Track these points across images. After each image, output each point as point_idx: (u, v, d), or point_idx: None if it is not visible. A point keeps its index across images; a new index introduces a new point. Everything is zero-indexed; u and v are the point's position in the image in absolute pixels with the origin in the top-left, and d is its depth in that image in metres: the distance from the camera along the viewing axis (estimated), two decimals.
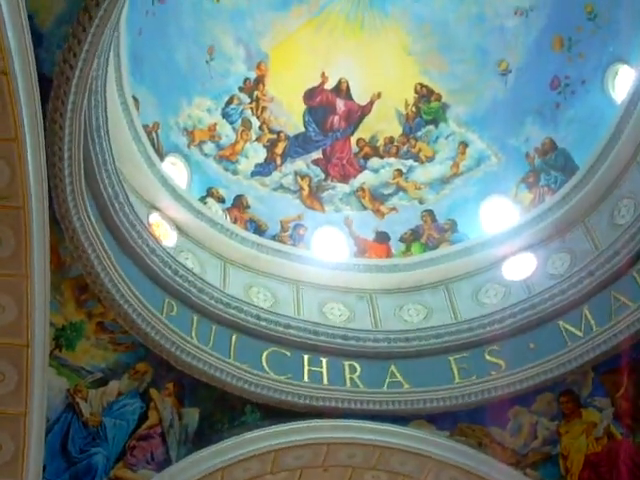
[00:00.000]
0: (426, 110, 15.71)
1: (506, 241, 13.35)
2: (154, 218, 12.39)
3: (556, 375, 11.67)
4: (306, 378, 11.96)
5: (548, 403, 11.88)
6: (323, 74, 15.80)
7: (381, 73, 15.90)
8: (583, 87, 13.71)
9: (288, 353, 12.24)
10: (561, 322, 11.86)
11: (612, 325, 11.36)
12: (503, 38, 14.76)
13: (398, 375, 12.37)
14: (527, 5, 14.38)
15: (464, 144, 15.19)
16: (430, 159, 15.63)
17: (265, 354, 11.99)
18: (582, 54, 13.67)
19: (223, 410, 11.48)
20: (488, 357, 12.24)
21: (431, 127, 15.65)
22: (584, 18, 13.46)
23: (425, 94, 15.71)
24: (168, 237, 12.54)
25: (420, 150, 15.69)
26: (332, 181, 15.69)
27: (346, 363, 12.38)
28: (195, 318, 11.71)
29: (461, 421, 11.98)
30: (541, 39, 14.26)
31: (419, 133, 15.76)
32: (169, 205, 12.70)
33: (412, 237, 14.97)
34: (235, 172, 14.87)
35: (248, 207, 14.60)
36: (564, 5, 13.82)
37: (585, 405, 11.76)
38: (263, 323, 12.24)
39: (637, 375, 11.38)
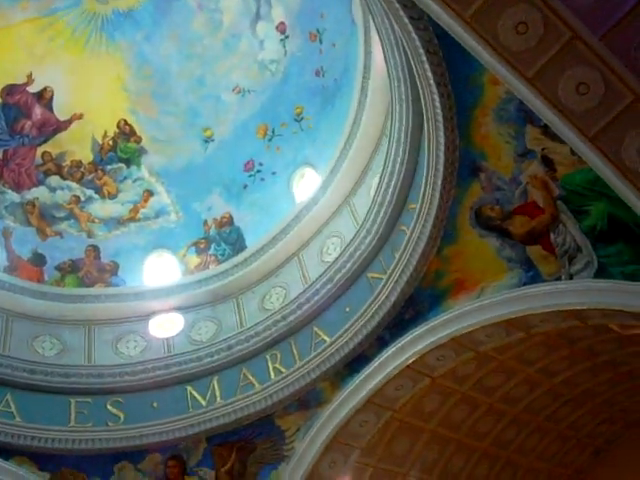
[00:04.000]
0: (123, 148, 15.44)
1: (161, 297, 13.42)
2: None
3: (171, 438, 11.85)
4: None
5: (156, 464, 11.94)
6: (30, 75, 14.74)
7: (90, 96, 15.30)
8: (272, 177, 14.65)
9: None
10: (189, 387, 12.18)
11: (234, 401, 12.00)
12: (216, 108, 15.26)
13: (12, 406, 11.51)
14: (247, 86, 15.08)
15: (149, 192, 15.15)
16: (112, 196, 15.26)
17: None
18: (279, 148, 14.67)
19: None
20: (109, 407, 11.99)
21: (122, 165, 15.35)
22: (291, 117, 14.52)
23: (127, 132, 15.45)
24: None
25: (105, 184, 15.26)
26: (4, 186, 14.46)
27: None
28: None
29: (65, 465, 11.50)
30: (249, 121, 14.99)
31: (109, 167, 15.35)
32: None
33: (70, 268, 14.31)
34: None
35: None
36: (279, 99, 14.70)
37: (190, 473, 12.03)
38: None
39: (244, 453, 12.04)
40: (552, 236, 9.24)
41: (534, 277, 9.49)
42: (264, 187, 14.59)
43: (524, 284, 9.59)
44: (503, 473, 14.59)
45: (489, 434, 13.66)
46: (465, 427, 13.23)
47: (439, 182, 9.69)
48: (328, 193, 12.79)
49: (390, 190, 10.84)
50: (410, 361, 10.85)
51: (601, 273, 8.77)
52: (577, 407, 14.29)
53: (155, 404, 12.09)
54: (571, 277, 9.17)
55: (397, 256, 10.86)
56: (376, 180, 11.36)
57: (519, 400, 13.35)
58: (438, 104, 8.88)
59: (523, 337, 10.80)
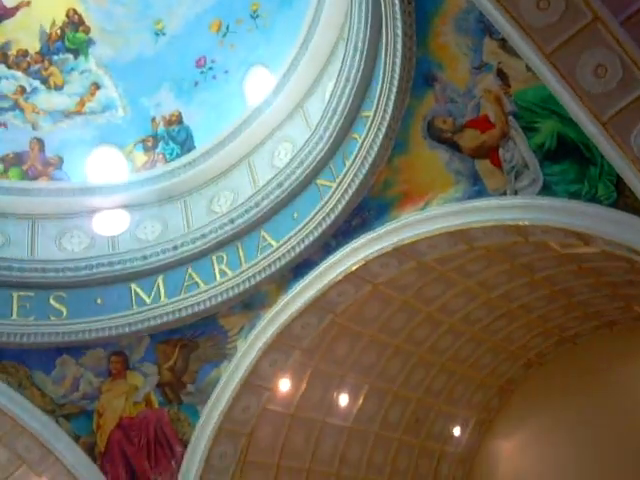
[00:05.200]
0: (71, 38, 14.69)
1: (106, 194, 13.18)
2: None
3: (114, 334, 11.94)
4: None
5: (98, 359, 12.09)
6: None
7: None
8: (225, 76, 14.22)
9: None
10: (133, 285, 12.20)
11: (179, 300, 12.10)
12: (169, 1, 14.62)
13: None
14: None
15: (97, 85, 14.55)
16: (58, 88, 14.65)
17: None
18: (234, 45, 14.20)
19: None
20: (52, 301, 11.96)
21: (70, 56, 14.63)
22: (247, 14, 13.99)
23: (75, 22, 14.65)
24: None
25: (51, 74, 14.59)
26: None
27: None
28: None
29: (7, 358, 11.52)
30: (202, 16, 14.36)
31: (56, 57, 14.64)
32: None
33: (14, 161, 13.88)
34: None
35: None
36: None
37: (133, 368, 12.23)
38: None
39: (187, 351, 12.24)
40: (501, 151, 9.30)
41: (480, 191, 9.59)
42: (216, 86, 14.18)
43: (469, 198, 9.70)
44: (437, 379, 15.24)
45: (426, 341, 14.16)
46: (403, 333, 13.67)
47: (394, 90, 9.58)
48: (281, 96, 12.55)
49: (345, 96, 10.68)
50: (354, 268, 11.02)
51: (546, 190, 8.89)
52: (512, 320, 14.86)
53: (99, 300, 12.10)
54: (516, 193, 9.30)
55: (347, 164, 10.84)
56: (331, 85, 11.17)
57: (457, 311, 13.80)
58: (398, 9, 8.68)
59: (465, 250, 11.04)
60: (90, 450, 11.72)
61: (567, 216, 8.82)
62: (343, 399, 13.93)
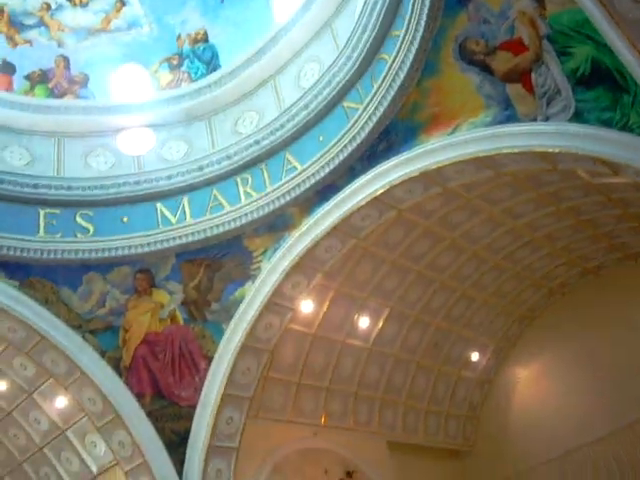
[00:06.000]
0: None
1: (132, 112, 13.12)
2: None
3: (139, 252, 12.09)
4: None
5: (124, 276, 12.25)
6: None
7: None
8: None
9: None
10: (158, 204, 12.26)
11: (204, 220, 12.18)
12: None
13: None
14: None
15: (122, 2, 14.33)
16: (84, 5, 14.48)
17: None
18: None
19: None
20: (79, 219, 12.08)
21: None
22: None
23: None
24: None
25: None
26: None
27: None
28: None
29: (34, 275, 11.69)
30: None
31: None
32: None
33: (40, 78, 13.86)
34: None
35: None
36: None
37: (158, 286, 12.43)
38: None
39: (212, 270, 12.40)
40: (533, 76, 9.07)
41: (510, 116, 9.39)
42: (242, 3, 13.87)
43: (499, 123, 9.51)
44: (458, 305, 15.35)
45: (448, 268, 14.19)
46: (426, 260, 13.70)
47: (426, 9, 9.32)
48: (309, 14, 12.25)
49: (375, 14, 10.36)
50: (379, 192, 10.94)
51: (577, 117, 8.68)
52: (536, 250, 14.80)
53: (125, 219, 12.19)
54: (547, 119, 9.10)
55: (375, 86, 10.62)
56: (361, 2, 10.85)
57: (481, 238, 13.76)
58: None
59: (492, 176, 10.91)
60: (116, 365, 11.94)
61: (598, 144, 8.63)
62: (364, 322, 14.13)
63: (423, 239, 13.16)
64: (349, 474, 13.96)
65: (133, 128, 12.83)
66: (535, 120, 9.21)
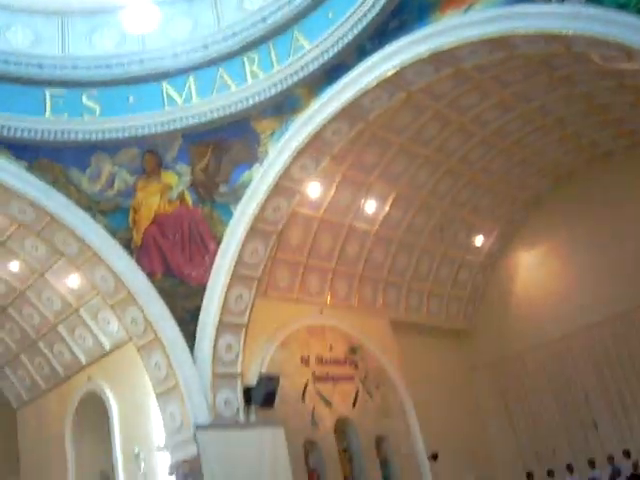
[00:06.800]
0: None
1: None
2: None
3: (146, 133, 12.02)
4: None
5: (132, 157, 12.20)
6: None
7: None
8: None
9: None
10: (164, 83, 12.04)
11: (210, 100, 12.03)
12: None
13: None
14: None
15: None
16: None
17: None
18: None
19: None
20: (85, 99, 11.92)
21: None
22: None
23: None
24: None
25: None
26: None
27: None
28: None
29: (42, 156, 11.65)
30: None
31: None
32: None
33: None
34: None
35: None
36: None
37: (167, 168, 12.42)
38: None
39: (219, 152, 12.36)
40: None
41: None
42: None
43: (514, 2, 9.26)
44: (464, 189, 15.43)
45: (456, 152, 14.17)
46: (434, 143, 13.65)
47: None
48: None
49: None
50: (389, 73, 10.72)
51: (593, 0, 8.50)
52: (546, 135, 14.70)
53: (131, 99, 12.00)
54: (562, 0, 8.86)
55: None
56: None
57: (490, 122, 13.64)
58: None
59: (504, 57, 10.68)
60: (126, 244, 12.04)
61: (613, 27, 8.48)
62: (370, 205, 14.26)
63: (432, 122, 13.04)
64: (353, 350, 14.51)
65: (137, 4, 12.39)
66: (550, 1, 8.96)
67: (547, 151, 15.42)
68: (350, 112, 11.50)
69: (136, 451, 12.18)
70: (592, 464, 14.64)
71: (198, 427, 11.20)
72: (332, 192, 13.49)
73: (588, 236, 15.93)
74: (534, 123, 14.13)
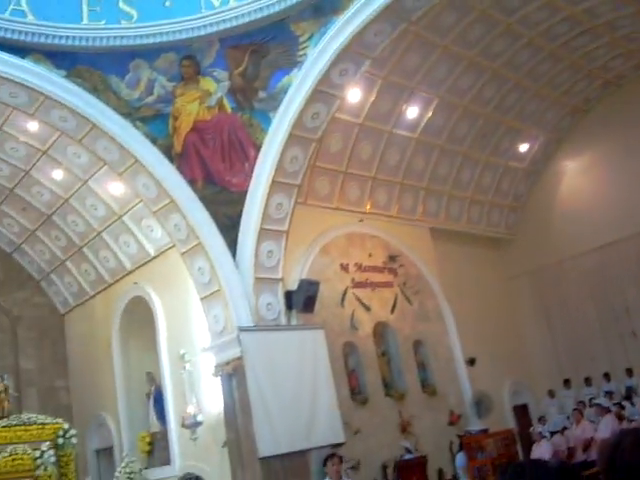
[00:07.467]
0: None
1: None
2: None
3: (184, 37, 11.81)
4: None
5: (170, 63, 12.05)
6: None
7: None
8: None
9: None
10: None
11: (248, 3, 11.69)
12: None
13: (24, 4, 11.24)
14: None
15: None
16: None
17: None
18: None
19: None
20: (122, 5, 11.70)
21: None
22: None
23: None
24: None
25: None
26: None
27: None
28: None
29: (81, 63, 11.61)
30: None
31: None
32: None
33: None
34: None
35: None
36: None
37: (204, 74, 12.26)
38: None
39: (257, 57, 12.11)
40: None
41: None
42: None
43: None
44: (510, 95, 14.98)
45: (501, 55, 13.68)
46: (479, 46, 13.19)
47: None
48: None
49: None
50: None
51: None
52: (595, 38, 14.09)
53: (168, 3, 11.74)
54: None
55: None
56: None
57: (538, 24, 13.10)
58: None
59: None
60: (167, 152, 12.06)
61: None
62: (412, 111, 13.98)
63: (477, 24, 12.57)
64: (392, 258, 14.59)
65: None
66: None
67: (596, 55, 14.81)
68: (392, 11, 11.04)
69: (181, 353, 12.58)
70: (630, 372, 14.75)
71: (241, 329, 11.51)
72: (372, 97, 13.22)
73: (636, 144, 15.45)
74: (583, 26, 13.51)
